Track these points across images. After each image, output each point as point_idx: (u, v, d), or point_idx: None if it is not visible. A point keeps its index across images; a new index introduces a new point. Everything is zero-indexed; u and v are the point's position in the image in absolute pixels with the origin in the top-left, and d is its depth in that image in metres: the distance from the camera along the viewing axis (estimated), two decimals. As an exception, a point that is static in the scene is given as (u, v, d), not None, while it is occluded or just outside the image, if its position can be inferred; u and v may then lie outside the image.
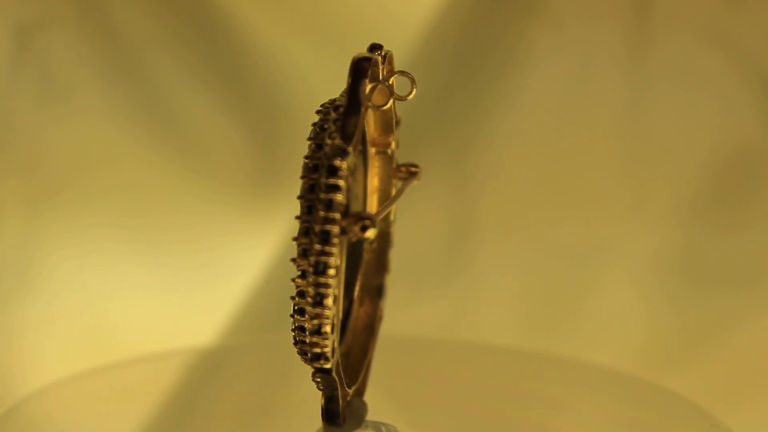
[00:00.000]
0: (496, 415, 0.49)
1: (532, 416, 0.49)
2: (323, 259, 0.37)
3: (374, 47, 0.40)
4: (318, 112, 0.39)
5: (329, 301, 0.37)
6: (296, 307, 0.38)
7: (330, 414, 0.40)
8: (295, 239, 0.37)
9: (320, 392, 0.42)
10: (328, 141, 0.37)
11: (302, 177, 0.37)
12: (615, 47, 0.66)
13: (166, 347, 0.58)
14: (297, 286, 0.37)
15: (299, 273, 0.37)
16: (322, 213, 0.37)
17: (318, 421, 0.43)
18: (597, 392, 0.53)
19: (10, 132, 0.63)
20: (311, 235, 0.37)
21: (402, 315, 0.65)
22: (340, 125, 0.38)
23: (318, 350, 0.38)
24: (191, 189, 0.67)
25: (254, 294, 0.68)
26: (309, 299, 0.37)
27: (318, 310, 0.37)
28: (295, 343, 0.39)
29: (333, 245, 0.37)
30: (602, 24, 0.66)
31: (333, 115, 0.38)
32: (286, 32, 0.68)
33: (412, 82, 0.40)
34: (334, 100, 0.40)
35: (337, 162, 0.37)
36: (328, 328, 0.37)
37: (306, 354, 0.39)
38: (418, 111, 0.65)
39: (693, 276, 0.65)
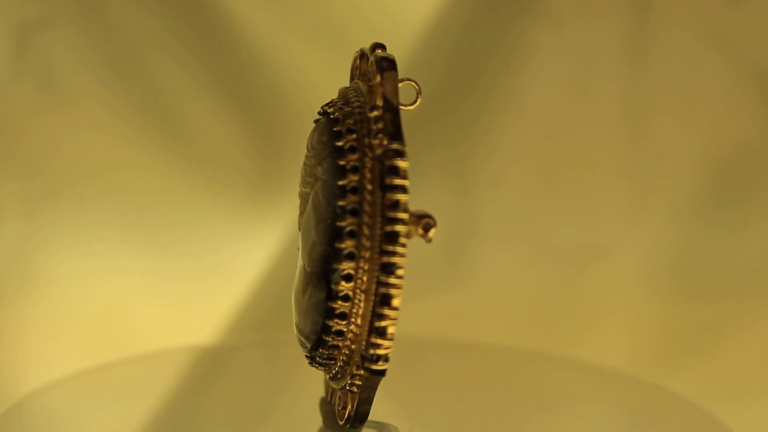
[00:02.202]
0: (496, 415, 0.49)
1: (532, 416, 0.49)
2: (391, 259, 0.36)
3: (376, 47, 0.40)
4: (334, 114, 0.39)
5: (397, 302, 0.37)
6: (337, 312, 0.37)
7: (361, 416, 0.39)
8: (340, 244, 0.37)
9: (327, 393, 0.42)
10: (375, 142, 0.37)
11: (340, 179, 0.37)
12: (615, 48, 0.66)
13: (167, 345, 0.58)
14: (339, 291, 0.37)
15: (343, 276, 0.37)
16: (389, 213, 0.36)
17: (317, 419, 0.43)
18: (596, 392, 0.53)
19: (12, 132, 0.63)
20: (360, 237, 0.37)
21: (402, 315, 0.65)
22: (384, 126, 0.37)
23: (374, 351, 0.37)
24: (192, 190, 0.67)
25: (255, 294, 0.68)
26: (359, 302, 0.37)
27: (385, 311, 0.37)
28: (323, 347, 0.38)
29: (402, 245, 0.36)
30: (602, 24, 0.66)
31: (372, 114, 0.38)
32: (286, 33, 0.68)
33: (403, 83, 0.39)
34: (347, 101, 0.39)
35: (400, 162, 0.37)
36: (393, 329, 0.37)
37: (333, 360, 0.38)
38: (417, 112, 0.65)
39: (693, 276, 0.65)
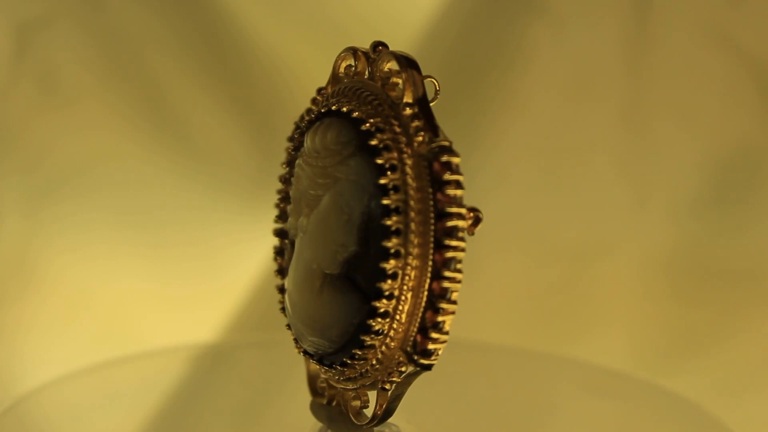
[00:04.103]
0: (496, 415, 0.49)
1: (531, 416, 0.49)
2: (452, 254, 0.36)
3: (377, 45, 0.40)
4: (354, 113, 0.38)
5: (456, 296, 0.37)
6: (381, 311, 0.37)
7: (389, 413, 0.39)
8: (387, 242, 0.37)
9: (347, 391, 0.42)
10: (418, 139, 0.37)
11: (380, 178, 0.37)
12: (615, 47, 0.66)
13: (168, 344, 0.58)
14: (384, 290, 0.37)
15: (389, 274, 0.37)
16: (447, 209, 0.36)
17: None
18: (596, 392, 0.53)
19: (12, 131, 0.63)
20: (408, 235, 0.37)
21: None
22: (424, 124, 0.37)
23: (430, 346, 0.37)
24: (193, 188, 0.67)
25: (255, 292, 0.68)
26: (405, 300, 0.37)
27: (443, 305, 0.37)
28: (358, 348, 0.38)
29: (462, 240, 0.36)
30: (602, 24, 0.66)
31: (407, 113, 0.38)
32: (286, 32, 0.68)
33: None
34: (362, 100, 0.39)
35: (453, 158, 0.37)
36: (449, 326, 0.37)
37: (364, 360, 0.38)
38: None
39: (693, 276, 0.65)
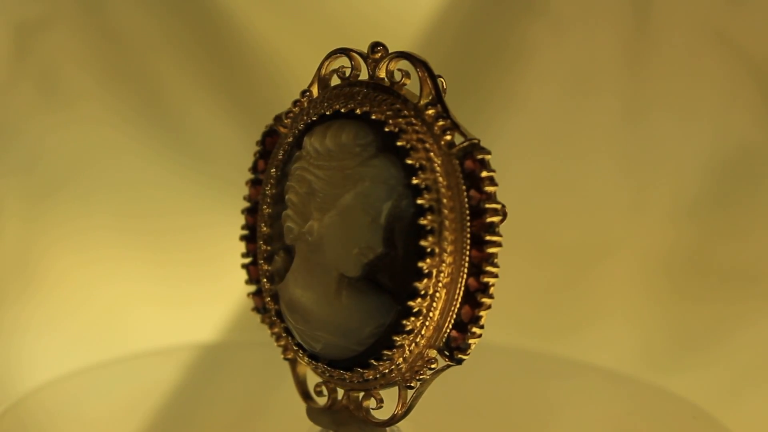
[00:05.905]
0: (496, 414, 0.49)
1: (532, 416, 0.49)
2: (492, 249, 0.37)
3: (376, 45, 0.40)
4: (373, 115, 0.38)
5: (493, 290, 0.37)
6: (414, 310, 0.37)
7: (409, 410, 0.39)
8: (424, 242, 0.37)
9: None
10: (447, 137, 0.37)
11: (412, 178, 0.37)
12: (615, 48, 0.66)
13: (168, 343, 0.58)
14: (419, 290, 0.37)
15: (425, 273, 0.37)
16: (485, 205, 0.37)
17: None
18: (597, 392, 0.53)
19: (11, 130, 0.63)
20: (442, 233, 0.37)
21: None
22: (451, 123, 0.37)
23: (470, 340, 0.37)
24: (192, 187, 0.67)
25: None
26: (439, 298, 0.37)
27: (483, 299, 0.37)
28: (387, 349, 0.38)
29: (500, 235, 0.37)
30: (603, 24, 0.66)
31: (430, 112, 0.38)
32: (286, 32, 0.68)
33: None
34: (375, 101, 0.39)
35: (486, 155, 0.37)
36: (485, 320, 0.37)
37: (390, 360, 0.38)
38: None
39: (693, 276, 0.65)
